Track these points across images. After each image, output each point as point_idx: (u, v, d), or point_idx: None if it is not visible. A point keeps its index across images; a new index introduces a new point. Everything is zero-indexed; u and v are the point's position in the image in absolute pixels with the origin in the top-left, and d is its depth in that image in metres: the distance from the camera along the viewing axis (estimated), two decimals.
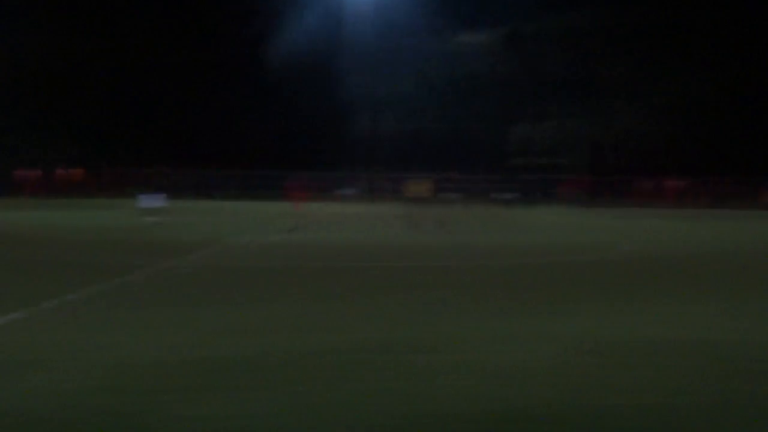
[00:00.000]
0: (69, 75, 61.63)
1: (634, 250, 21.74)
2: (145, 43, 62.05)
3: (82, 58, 61.80)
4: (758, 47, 54.88)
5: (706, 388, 7.40)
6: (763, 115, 55.35)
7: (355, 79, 55.47)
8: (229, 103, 60.61)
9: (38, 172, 54.42)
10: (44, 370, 7.67)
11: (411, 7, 56.47)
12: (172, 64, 62.09)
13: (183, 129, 61.20)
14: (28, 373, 7.54)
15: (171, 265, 16.64)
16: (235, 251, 20.50)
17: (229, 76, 61.36)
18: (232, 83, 61.25)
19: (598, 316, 11.06)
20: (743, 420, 6.52)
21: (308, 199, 29.45)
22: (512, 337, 9.58)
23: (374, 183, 52.05)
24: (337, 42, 55.80)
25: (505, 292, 13.40)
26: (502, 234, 27.13)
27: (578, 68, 58.37)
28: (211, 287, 13.66)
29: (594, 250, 21.87)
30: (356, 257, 19.56)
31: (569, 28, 58.96)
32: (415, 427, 6.28)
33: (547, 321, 10.66)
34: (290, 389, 7.14)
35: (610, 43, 57.34)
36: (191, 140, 60.22)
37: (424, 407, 6.71)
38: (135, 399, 6.77)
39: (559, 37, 59.51)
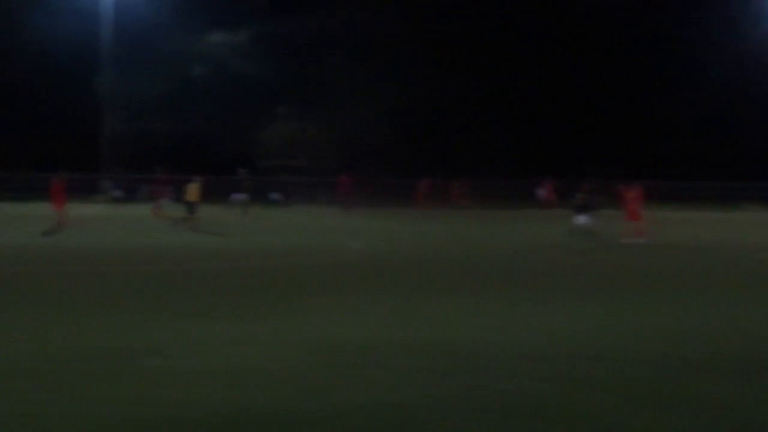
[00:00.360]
0: None
1: (370, 251, 21.49)
2: None
3: None
4: (475, 56, 58.41)
5: (431, 384, 7.74)
6: (478, 121, 58.63)
7: (105, 77, 52.81)
8: None
9: None
10: None
11: (159, 6, 55.48)
12: None
13: None
14: None
15: None
16: None
17: None
18: None
19: (332, 318, 11.26)
20: (459, 414, 6.85)
21: (66, 200, 27.56)
22: (247, 339, 9.66)
23: (133, 184, 49.41)
24: (87, 41, 52.87)
25: (240, 295, 13.30)
26: (240, 236, 26.40)
27: (311, 72, 59.55)
28: None
29: (330, 251, 21.47)
30: (94, 261, 18.64)
31: (306, 31, 59.99)
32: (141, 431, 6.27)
33: (283, 323, 10.78)
34: (11, 396, 7.06)
35: (342, 48, 58.64)
36: None
37: (152, 412, 6.69)
38: None
39: (295, 41, 60.39)
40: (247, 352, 8.96)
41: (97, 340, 9.61)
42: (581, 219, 24.12)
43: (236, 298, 12.97)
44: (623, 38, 57.83)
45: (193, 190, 29.77)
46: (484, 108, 58.22)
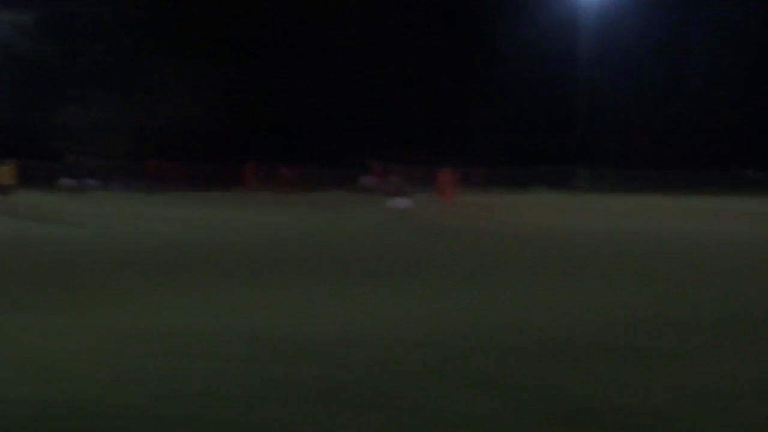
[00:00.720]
0: None
1: (183, 238, 20.98)
2: None
3: None
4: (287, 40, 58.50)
5: (243, 373, 7.64)
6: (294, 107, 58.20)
7: None
8: None
9: None
10: None
11: None
12: None
13: None
14: None
15: None
16: None
17: None
18: None
19: (141, 308, 10.96)
20: (271, 402, 6.80)
21: None
22: (49, 330, 9.27)
23: None
24: None
25: (42, 286, 12.88)
26: (49, 222, 25.57)
27: (123, 56, 57.53)
28: None
29: (141, 238, 21.04)
30: None
31: (113, 15, 58.33)
32: None
33: (88, 313, 10.41)
34: None
35: (153, 34, 57.09)
36: None
37: None
38: None
39: (103, 25, 58.64)
40: (48, 344, 8.58)
41: None
42: (398, 202, 25.09)
43: (37, 288, 12.50)
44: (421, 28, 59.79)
45: (5, 173, 29.35)
46: (307, 93, 58.24)
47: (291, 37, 59.34)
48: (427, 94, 59.29)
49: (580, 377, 7.73)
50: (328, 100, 58.40)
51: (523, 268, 16.19)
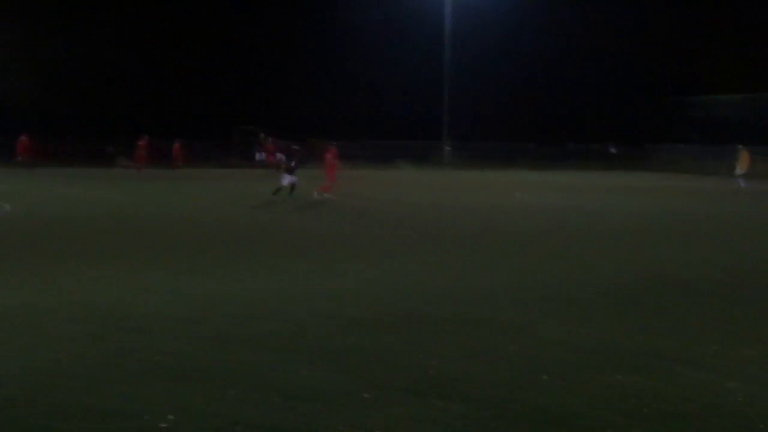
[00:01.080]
0: None
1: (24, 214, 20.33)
2: None
3: None
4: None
5: (83, 349, 7.55)
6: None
7: None
8: None
9: None
10: None
11: None
12: None
13: None
14: None
15: None
16: None
17: None
18: None
19: None
20: (110, 377, 6.72)
21: None
22: None
23: None
24: None
25: None
26: None
27: None
28: None
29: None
30: None
31: None
32: None
33: None
34: None
35: None
36: None
37: None
38: None
39: None
40: None
41: None
42: (287, 178, 25.05)
43: None
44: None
45: None
46: (173, 67, 56.39)
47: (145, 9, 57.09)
48: (301, 70, 58.85)
49: (426, 348, 7.86)
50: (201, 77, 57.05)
51: (380, 242, 16.29)
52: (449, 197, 28.86)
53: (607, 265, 13.62)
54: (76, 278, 11.31)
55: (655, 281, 11.99)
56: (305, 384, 6.70)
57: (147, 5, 56.89)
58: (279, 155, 26.94)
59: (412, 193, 30.71)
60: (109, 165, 44.27)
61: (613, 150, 58.42)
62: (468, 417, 6.03)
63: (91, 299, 9.82)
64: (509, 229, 19.12)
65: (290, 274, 12.02)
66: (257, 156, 46.18)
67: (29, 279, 11.14)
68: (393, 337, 8.30)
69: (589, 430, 5.84)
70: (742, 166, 35.98)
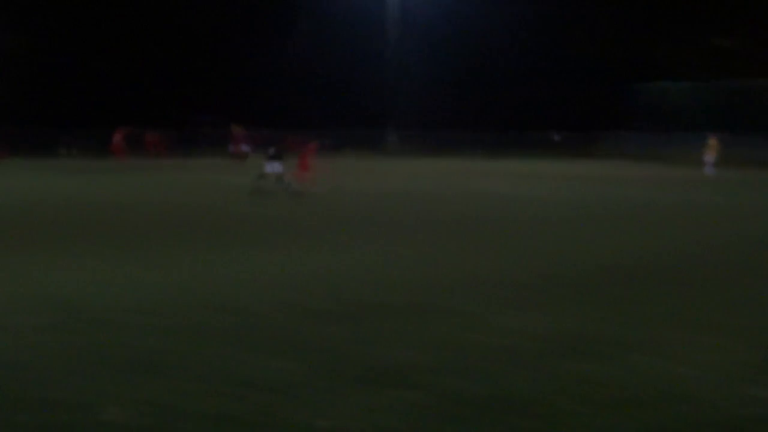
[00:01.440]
0: None
1: None
2: None
3: None
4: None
5: (44, 342, 7.51)
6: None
7: None
8: None
9: None
10: None
11: None
12: None
13: None
14: None
15: None
16: None
17: None
18: None
19: None
20: (72, 371, 6.69)
21: None
22: None
23: None
24: None
25: None
26: None
27: None
28: None
29: None
30: None
31: None
32: None
33: None
34: None
35: None
36: None
37: None
38: None
39: None
40: None
41: None
42: (273, 167, 24.58)
43: None
44: None
45: None
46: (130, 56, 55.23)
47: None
48: (243, 59, 58.09)
49: (374, 337, 7.88)
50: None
51: (330, 230, 16.25)
52: (399, 185, 28.86)
53: (563, 253, 13.65)
54: (35, 268, 11.19)
55: (611, 269, 12.03)
56: (260, 374, 6.66)
57: None
58: (245, 146, 26.38)
59: (361, 181, 30.61)
60: (57, 155, 43.67)
61: (556, 137, 58.70)
62: (424, 405, 6.02)
63: (49, 291, 9.71)
64: (463, 217, 19.09)
65: (248, 264, 11.96)
66: (229, 148, 45.32)
67: None
68: (348, 327, 8.27)
69: (544, 417, 5.86)
70: (711, 153, 36.61)
